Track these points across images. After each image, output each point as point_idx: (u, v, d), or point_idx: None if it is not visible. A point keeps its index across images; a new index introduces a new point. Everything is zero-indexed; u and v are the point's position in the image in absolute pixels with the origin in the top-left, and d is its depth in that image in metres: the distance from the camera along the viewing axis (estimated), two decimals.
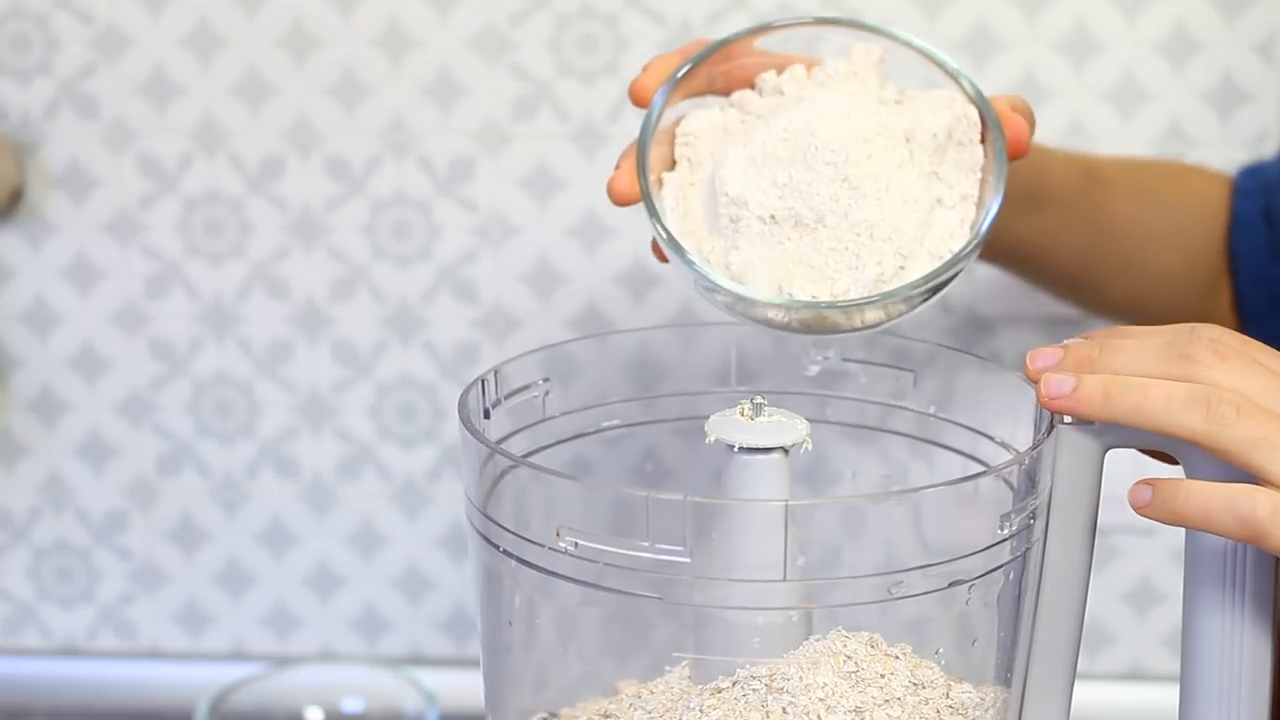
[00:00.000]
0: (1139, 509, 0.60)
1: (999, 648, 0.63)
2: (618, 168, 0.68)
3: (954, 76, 0.68)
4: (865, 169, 0.64)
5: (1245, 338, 0.61)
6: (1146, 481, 0.60)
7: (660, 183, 0.68)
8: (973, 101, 0.67)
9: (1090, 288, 0.94)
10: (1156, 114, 1.07)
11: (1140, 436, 0.61)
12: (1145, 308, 0.94)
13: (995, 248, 0.83)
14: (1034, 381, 0.62)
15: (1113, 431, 0.62)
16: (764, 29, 0.70)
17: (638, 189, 0.66)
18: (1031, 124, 0.70)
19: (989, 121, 0.67)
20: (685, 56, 0.70)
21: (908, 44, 0.68)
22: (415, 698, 1.05)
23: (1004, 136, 0.67)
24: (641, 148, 0.67)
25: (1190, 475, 0.61)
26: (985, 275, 1.03)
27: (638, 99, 0.69)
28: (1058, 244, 0.89)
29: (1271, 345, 0.93)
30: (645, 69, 0.70)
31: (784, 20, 0.71)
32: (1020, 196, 0.81)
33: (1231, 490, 0.58)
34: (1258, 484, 0.58)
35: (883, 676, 0.60)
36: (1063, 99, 1.07)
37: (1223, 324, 0.95)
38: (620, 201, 0.67)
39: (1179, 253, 0.94)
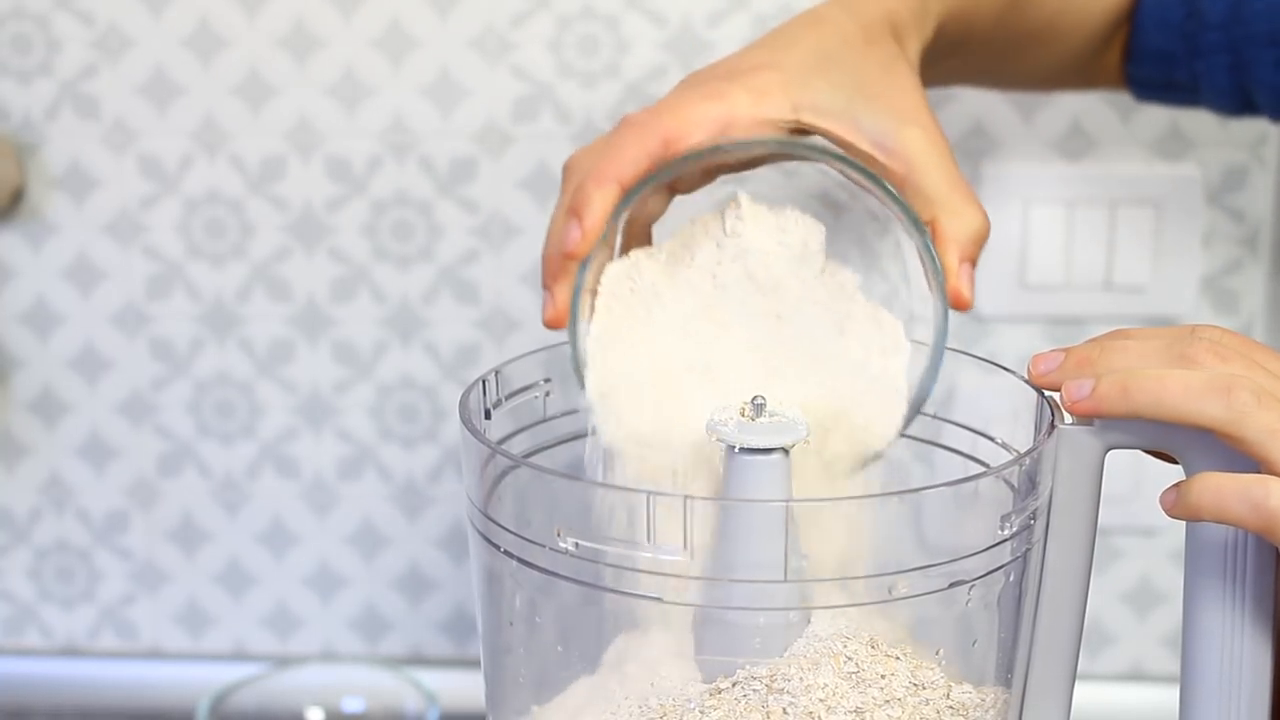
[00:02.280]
0: (1169, 510, 0.59)
1: (999, 648, 0.63)
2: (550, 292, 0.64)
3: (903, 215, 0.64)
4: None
5: (1245, 339, 0.61)
6: (1174, 485, 0.60)
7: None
8: (920, 255, 0.64)
9: (996, 55, 0.88)
10: (1156, 114, 1.07)
11: (1142, 436, 0.61)
12: (1033, 79, 0.93)
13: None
14: (1037, 385, 0.62)
15: (1113, 431, 0.62)
16: (713, 152, 0.64)
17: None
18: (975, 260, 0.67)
19: (931, 278, 0.64)
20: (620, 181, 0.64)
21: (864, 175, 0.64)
22: (416, 698, 1.05)
23: (945, 299, 0.64)
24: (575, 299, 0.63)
25: (1190, 474, 0.61)
26: (985, 275, 1.03)
27: (556, 323, 0.65)
28: (968, 47, 0.83)
29: (1151, 96, 0.91)
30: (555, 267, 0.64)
31: (738, 142, 0.65)
32: (948, 45, 0.78)
33: (1246, 480, 0.57)
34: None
35: (883, 677, 0.60)
36: (1061, 99, 1.07)
37: (1104, 76, 0.93)
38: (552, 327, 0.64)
39: (1080, 31, 0.90)
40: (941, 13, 0.76)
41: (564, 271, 0.63)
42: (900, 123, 0.66)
